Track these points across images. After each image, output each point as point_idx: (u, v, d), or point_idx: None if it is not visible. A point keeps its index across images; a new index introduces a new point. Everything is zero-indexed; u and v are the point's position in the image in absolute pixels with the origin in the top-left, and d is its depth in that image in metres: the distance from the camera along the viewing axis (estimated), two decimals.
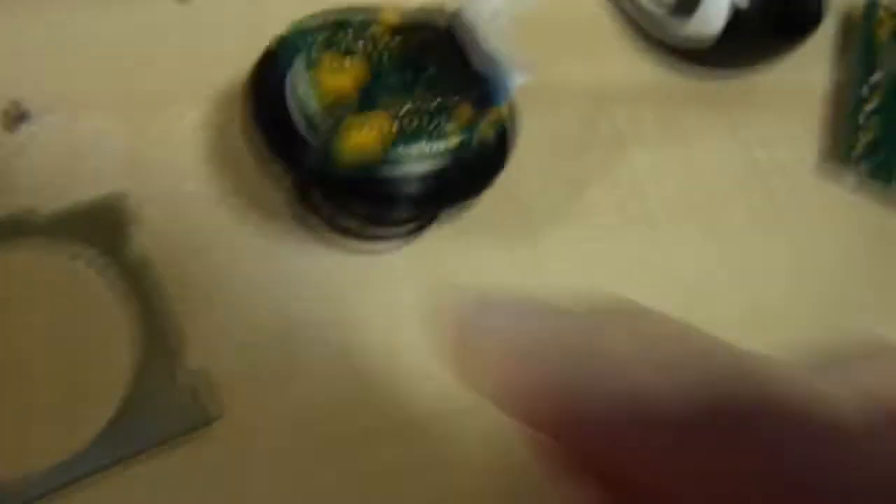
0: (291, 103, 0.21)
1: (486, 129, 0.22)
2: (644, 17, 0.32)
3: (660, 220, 0.28)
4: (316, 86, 0.21)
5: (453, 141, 0.21)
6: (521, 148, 0.27)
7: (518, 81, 0.22)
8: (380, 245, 0.25)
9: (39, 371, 0.22)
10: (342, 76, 0.21)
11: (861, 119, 0.31)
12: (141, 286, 0.23)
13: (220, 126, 0.26)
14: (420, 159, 0.21)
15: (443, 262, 0.25)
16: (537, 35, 0.31)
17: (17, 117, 0.25)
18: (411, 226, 0.25)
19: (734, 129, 0.31)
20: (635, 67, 0.32)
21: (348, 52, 0.22)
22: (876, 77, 0.32)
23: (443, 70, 0.22)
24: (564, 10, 0.32)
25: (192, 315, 0.23)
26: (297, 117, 0.21)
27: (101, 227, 0.23)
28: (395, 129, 0.21)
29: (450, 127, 0.21)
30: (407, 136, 0.21)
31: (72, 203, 0.23)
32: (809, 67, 0.33)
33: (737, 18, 0.30)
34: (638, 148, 0.29)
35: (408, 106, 0.21)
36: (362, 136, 0.20)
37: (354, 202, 0.21)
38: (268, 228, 0.24)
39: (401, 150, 0.21)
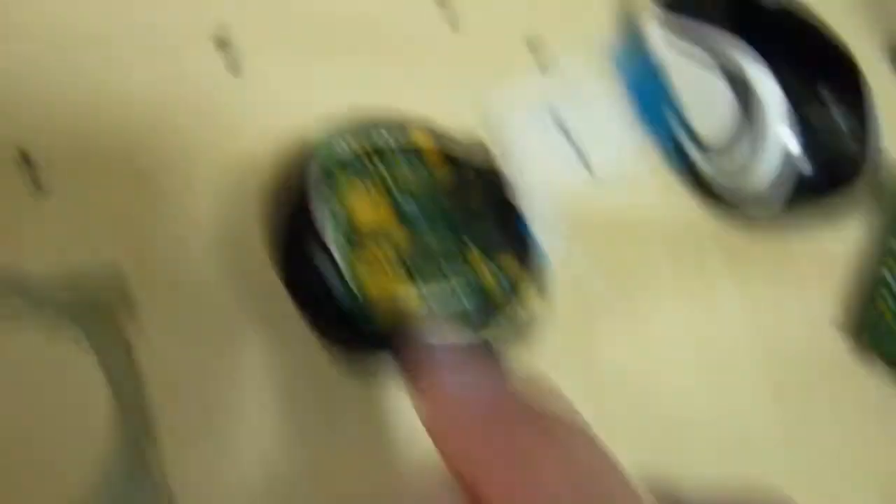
0: (320, 233, 0.20)
1: (514, 286, 0.21)
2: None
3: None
4: (340, 219, 0.20)
5: (476, 301, 0.20)
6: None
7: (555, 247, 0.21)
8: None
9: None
10: (367, 213, 0.20)
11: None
12: (121, 383, 0.22)
13: (238, 214, 0.24)
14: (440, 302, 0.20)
15: None
16: None
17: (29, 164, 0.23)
18: None
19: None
20: (668, 202, 0.30)
21: (367, 174, 0.20)
22: None
23: (477, 217, 0.21)
24: None
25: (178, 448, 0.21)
26: (319, 250, 0.20)
27: (91, 304, 0.22)
28: (418, 277, 0.20)
29: (475, 285, 0.20)
30: (430, 281, 0.20)
31: (67, 268, 0.22)
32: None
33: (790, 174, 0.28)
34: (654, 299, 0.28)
35: (435, 249, 0.20)
36: (384, 281, 0.19)
37: (384, 351, 0.20)
38: (276, 343, 0.23)
39: (424, 298, 0.20)
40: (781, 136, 0.28)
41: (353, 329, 0.20)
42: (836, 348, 0.30)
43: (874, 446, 0.29)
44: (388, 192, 0.20)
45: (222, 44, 0.27)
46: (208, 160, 0.25)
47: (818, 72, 0.29)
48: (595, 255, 0.28)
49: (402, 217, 0.20)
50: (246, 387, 0.23)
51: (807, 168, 0.29)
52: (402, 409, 0.24)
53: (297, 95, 0.26)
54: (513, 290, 0.20)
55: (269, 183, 0.21)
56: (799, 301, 0.30)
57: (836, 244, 0.32)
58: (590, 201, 0.29)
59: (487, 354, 0.18)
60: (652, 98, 0.29)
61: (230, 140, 0.26)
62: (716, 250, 0.30)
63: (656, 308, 0.28)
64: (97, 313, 0.22)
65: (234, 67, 0.27)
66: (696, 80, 0.30)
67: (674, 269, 0.29)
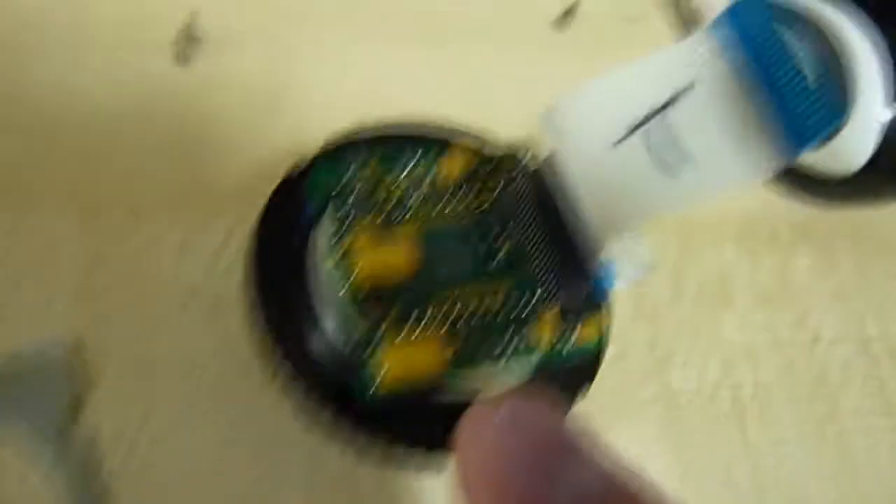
0: (313, 280, 0.15)
1: (573, 354, 0.15)
2: None
3: (753, 418, 0.22)
4: (347, 272, 0.15)
5: (531, 359, 0.15)
6: None
7: (630, 281, 0.16)
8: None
9: None
10: (386, 257, 0.15)
11: None
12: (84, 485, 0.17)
13: (205, 255, 0.20)
14: (486, 379, 0.15)
15: None
16: None
17: None
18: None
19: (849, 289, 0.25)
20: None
21: (393, 220, 0.15)
22: None
23: (519, 252, 0.16)
24: None
25: None
26: (320, 310, 0.15)
27: (42, 391, 0.17)
28: (451, 351, 0.14)
29: (528, 342, 0.15)
30: (468, 356, 0.15)
31: (10, 350, 0.17)
32: None
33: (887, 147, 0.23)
34: (730, 313, 0.23)
35: (465, 314, 0.15)
36: (401, 373, 0.14)
37: (390, 438, 0.15)
38: (262, 424, 0.18)
39: (459, 376, 0.15)
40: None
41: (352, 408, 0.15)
42: None
43: None
44: (400, 220, 0.15)
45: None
46: (174, 187, 0.20)
47: None
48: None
49: (434, 268, 0.15)
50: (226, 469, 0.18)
51: None
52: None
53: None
54: (559, 344, 0.15)
55: (255, 227, 0.16)
56: None
57: None
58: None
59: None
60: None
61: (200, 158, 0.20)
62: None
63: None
64: (50, 400, 0.17)
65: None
66: None
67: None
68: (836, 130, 0.12)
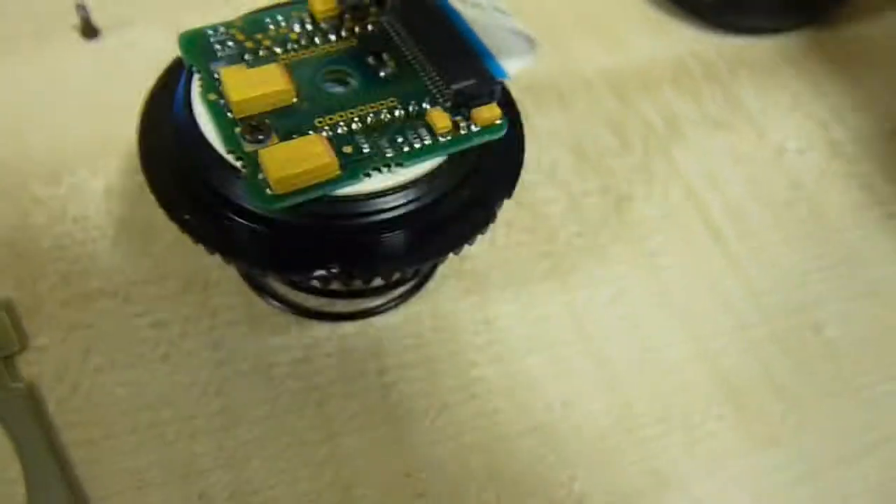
0: (196, 143, 0.15)
1: (478, 135, 0.15)
2: None
3: (728, 233, 0.21)
4: (220, 114, 0.14)
5: (430, 162, 0.15)
6: (534, 160, 0.20)
7: (518, 65, 0.15)
8: (360, 308, 0.18)
9: None
10: (254, 92, 0.14)
11: None
12: (27, 428, 0.16)
13: (132, 193, 0.20)
14: (388, 194, 0.14)
15: (449, 327, 0.18)
16: (539, 15, 0.25)
17: None
18: (397, 290, 0.18)
19: (798, 100, 0.24)
20: (665, 41, 0.25)
21: (263, 61, 0.15)
22: None
23: (404, 65, 0.15)
24: None
25: (97, 463, 0.16)
26: (206, 162, 0.15)
27: None
28: (338, 157, 0.14)
29: (422, 143, 0.14)
30: (359, 164, 0.14)
31: None
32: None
33: None
34: (681, 144, 0.22)
35: (356, 123, 0.14)
36: (291, 172, 0.13)
37: (304, 271, 0.15)
38: (203, 318, 0.18)
39: (351, 186, 0.14)
40: None
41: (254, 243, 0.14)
42: None
43: None
44: (288, 66, 0.15)
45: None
46: (92, 137, 0.20)
47: None
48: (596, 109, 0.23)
49: (314, 90, 0.15)
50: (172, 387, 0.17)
51: None
52: (399, 359, 0.18)
53: None
54: (454, 144, 0.15)
55: (141, 111, 0.16)
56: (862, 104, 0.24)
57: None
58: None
59: None
60: None
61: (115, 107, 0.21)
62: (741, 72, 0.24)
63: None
64: None
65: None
66: None
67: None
68: None
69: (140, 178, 0.15)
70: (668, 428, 0.18)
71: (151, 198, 0.15)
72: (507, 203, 0.16)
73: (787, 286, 0.20)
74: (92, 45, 0.23)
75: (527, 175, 0.16)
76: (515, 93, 0.17)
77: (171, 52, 0.16)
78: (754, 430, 0.18)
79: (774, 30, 0.25)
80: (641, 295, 0.19)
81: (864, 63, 0.25)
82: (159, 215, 0.15)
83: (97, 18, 0.23)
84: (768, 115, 0.23)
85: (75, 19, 0.23)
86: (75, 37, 0.23)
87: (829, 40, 0.26)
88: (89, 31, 0.23)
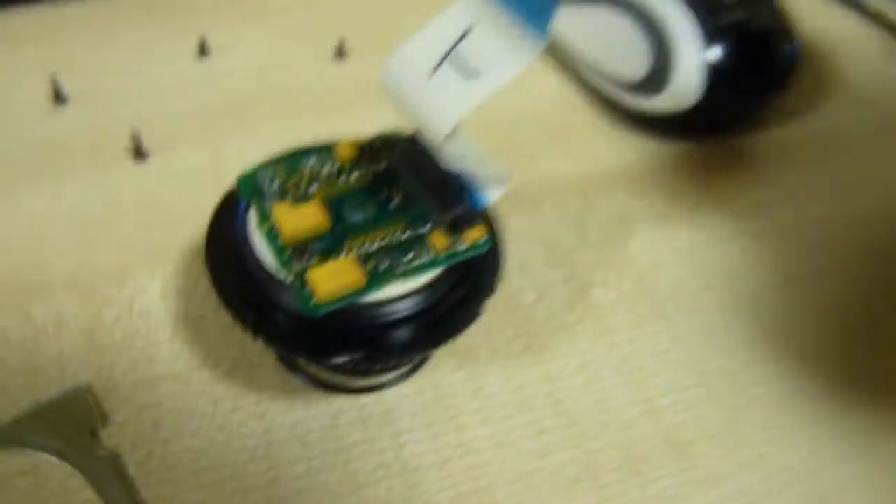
0: (253, 261, 0.19)
1: (468, 251, 0.20)
2: (616, 96, 0.31)
3: (672, 311, 0.25)
4: (272, 240, 0.19)
5: (432, 273, 0.19)
6: (511, 257, 0.25)
7: (495, 195, 0.20)
8: (376, 383, 0.22)
9: None
10: (299, 225, 0.19)
11: None
12: (113, 488, 0.20)
13: (186, 292, 0.24)
14: (400, 300, 0.19)
15: (447, 396, 0.23)
16: (511, 132, 0.30)
17: None
18: (405, 368, 0.23)
19: (728, 196, 0.29)
20: (618, 149, 0.30)
21: (304, 197, 0.20)
22: None
23: (409, 198, 0.20)
24: (537, 103, 0.31)
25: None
26: (260, 276, 0.19)
27: (65, 431, 0.21)
28: (365, 273, 0.18)
29: (426, 259, 0.19)
30: (380, 277, 0.19)
31: (31, 406, 0.21)
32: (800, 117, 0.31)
33: (715, 80, 0.28)
34: (634, 237, 0.27)
35: (375, 245, 0.19)
36: (330, 287, 0.18)
37: (334, 356, 0.19)
38: (249, 394, 0.22)
39: (376, 294, 0.19)
40: (695, 49, 0.28)
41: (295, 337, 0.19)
42: None
43: None
44: (324, 200, 0.20)
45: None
46: (148, 247, 0.25)
47: None
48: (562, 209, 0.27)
49: (343, 221, 0.19)
50: (230, 443, 0.21)
51: (731, 71, 0.28)
52: (404, 429, 0.22)
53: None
54: (451, 257, 0.19)
55: (206, 234, 0.20)
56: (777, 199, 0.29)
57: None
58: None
59: None
60: None
61: (167, 220, 0.25)
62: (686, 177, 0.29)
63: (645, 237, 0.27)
64: (73, 435, 0.21)
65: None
66: (604, 29, 0.30)
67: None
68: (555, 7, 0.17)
69: (191, 279, 0.19)
70: (626, 475, 0.22)
71: (201, 296, 0.19)
72: None
73: (723, 354, 0.25)
74: (142, 166, 0.27)
75: (505, 268, 0.21)
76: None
77: (211, 170, 0.21)
78: (695, 473, 0.22)
79: (715, 136, 0.31)
80: (602, 365, 0.24)
81: (786, 164, 0.30)
82: (209, 310, 0.19)
83: (147, 142, 0.28)
84: (703, 210, 0.28)
85: (127, 143, 0.28)
86: (128, 160, 0.27)
87: (754, 145, 0.31)
88: (140, 154, 0.28)
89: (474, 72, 0.17)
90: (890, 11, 0.38)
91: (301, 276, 0.18)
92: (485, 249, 0.20)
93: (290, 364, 0.23)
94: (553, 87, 0.32)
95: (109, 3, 0.34)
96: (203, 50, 0.32)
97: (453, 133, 0.19)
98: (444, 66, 0.18)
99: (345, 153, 0.21)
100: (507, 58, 0.17)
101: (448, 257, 0.19)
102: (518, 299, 0.25)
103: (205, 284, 0.24)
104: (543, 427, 0.22)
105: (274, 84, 0.31)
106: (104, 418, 0.21)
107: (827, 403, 0.24)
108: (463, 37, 0.18)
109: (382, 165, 0.21)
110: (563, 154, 0.30)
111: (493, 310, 0.24)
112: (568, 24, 0.31)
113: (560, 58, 0.33)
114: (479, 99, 0.17)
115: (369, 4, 0.35)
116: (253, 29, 0.33)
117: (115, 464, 0.21)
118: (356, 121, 0.25)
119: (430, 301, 0.19)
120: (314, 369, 0.22)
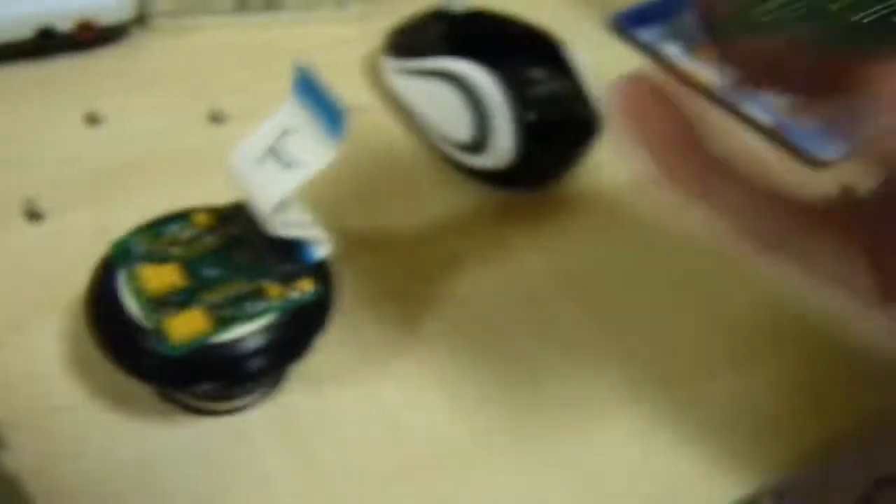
0: (124, 314, 0.24)
1: (300, 297, 0.25)
2: (451, 153, 0.36)
3: (490, 333, 0.31)
4: (139, 295, 0.24)
5: (269, 318, 0.24)
6: (350, 293, 0.30)
7: (320, 254, 0.25)
8: (237, 406, 0.27)
9: None
10: (160, 282, 0.24)
11: None
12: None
13: (76, 336, 0.28)
14: (244, 339, 0.24)
15: (298, 414, 0.28)
16: (358, 181, 0.35)
17: None
18: (259, 392, 0.28)
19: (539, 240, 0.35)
20: (452, 198, 0.36)
21: (165, 259, 0.25)
22: None
23: (253, 257, 0.25)
24: (384, 156, 0.37)
25: None
26: (130, 325, 0.24)
27: None
28: (213, 320, 0.23)
29: (263, 306, 0.24)
30: (225, 323, 0.24)
31: None
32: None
33: (528, 141, 0.34)
34: (460, 273, 0.33)
35: (223, 296, 0.24)
36: (185, 331, 0.23)
37: (194, 386, 0.24)
38: (132, 422, 0.27)
39: (222, 336, 0.24)
40: (508, 118, 0.34)
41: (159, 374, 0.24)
42: None
43: None
44: (182, 262, 0.25)
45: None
46: (43, 295, 0.29)
47: (524, 56, 0.36)
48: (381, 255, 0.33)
49: (197, 278, 0.24)
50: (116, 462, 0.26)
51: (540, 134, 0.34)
52: (260, 448, 0.27)
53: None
54: (285, 303, 0.25)
55: (86, 294, 0.25)
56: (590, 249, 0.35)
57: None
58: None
59: None
60: None
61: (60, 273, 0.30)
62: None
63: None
64: None
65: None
66: (438, 98, 0.36)
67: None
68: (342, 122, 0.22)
69: (80, 324, 0.24)
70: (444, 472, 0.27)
71: (89, 338, 0.24)
72: (330, 330, 0.25)
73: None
74: (36, 227, 0.32)
75: (348, 304, 0.26)
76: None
77: (98, 231, 0.25)
78: None
79: (536, 185, 0.37)
80: (428, 388, 0.29)
81: (593, 209, 0.37)
82: (96, 351, 0.24)
83: (41, 205, 0.32)
84: (524, 250, 0.34)
85: (23, 206, 0.32)
86: (24, 221, 0.32)
87: (568, 192, 0.37)
88: (34, 216, 0.32)
89: (290, 163, 0.23)
90: (693, 69, 0.45)
91: (160, 325, 0.23)
92: (313, 297, 0.25)
93: (164, 395, 0.27)
94: (400, 142, 0.38)
95: (1, 75, 0.38)
96: (92, 119, 0.36)
97: (286, 204, 0.24)
98: (269, 158, 0.23)
99: (202, 220, 0.26)
100: (314, 154, 0.23)
101: (283, 304, 0.25)
102: (358, 330, 0.30)
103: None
104: (377, 437, 0.28)
105: (157, 150, 0.35)
106: (2, 444, 0.26)
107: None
108: (283, 135, 0.23)
109: (236, 230, 0.26)
110: (404, 201, 0.35)
111: (336, 340, 0.29)
112: (410, 91, 0.37)
113: (405, 118, 0.38)
114: (294, 185, 0.23)
115: (244, 72, 0.40)
116: (138, 98, 0.38)
117: (14, 485, 0.25)
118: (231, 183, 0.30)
119: (270, 338, 0.24)
120: (185, 398, 0.27)
